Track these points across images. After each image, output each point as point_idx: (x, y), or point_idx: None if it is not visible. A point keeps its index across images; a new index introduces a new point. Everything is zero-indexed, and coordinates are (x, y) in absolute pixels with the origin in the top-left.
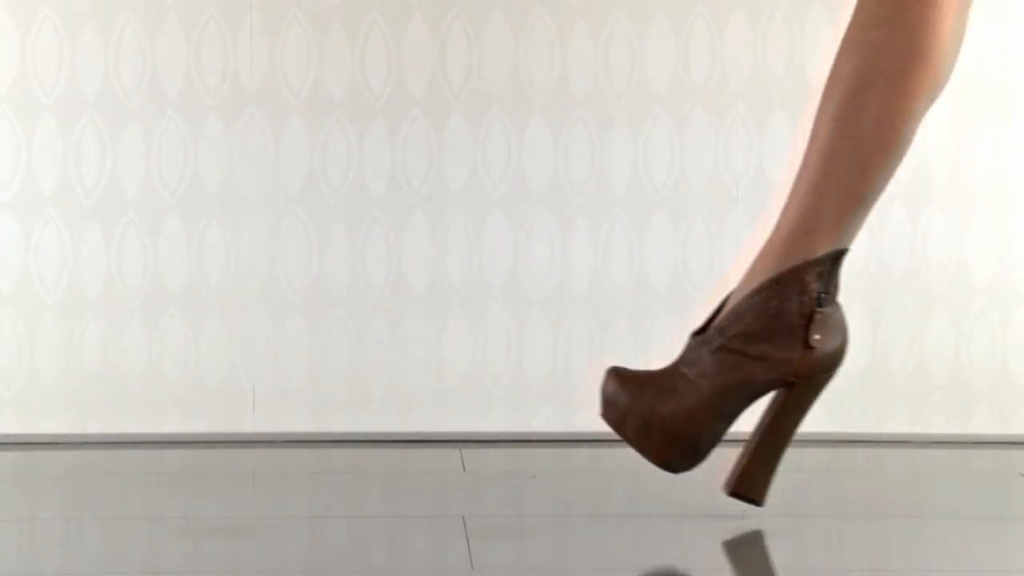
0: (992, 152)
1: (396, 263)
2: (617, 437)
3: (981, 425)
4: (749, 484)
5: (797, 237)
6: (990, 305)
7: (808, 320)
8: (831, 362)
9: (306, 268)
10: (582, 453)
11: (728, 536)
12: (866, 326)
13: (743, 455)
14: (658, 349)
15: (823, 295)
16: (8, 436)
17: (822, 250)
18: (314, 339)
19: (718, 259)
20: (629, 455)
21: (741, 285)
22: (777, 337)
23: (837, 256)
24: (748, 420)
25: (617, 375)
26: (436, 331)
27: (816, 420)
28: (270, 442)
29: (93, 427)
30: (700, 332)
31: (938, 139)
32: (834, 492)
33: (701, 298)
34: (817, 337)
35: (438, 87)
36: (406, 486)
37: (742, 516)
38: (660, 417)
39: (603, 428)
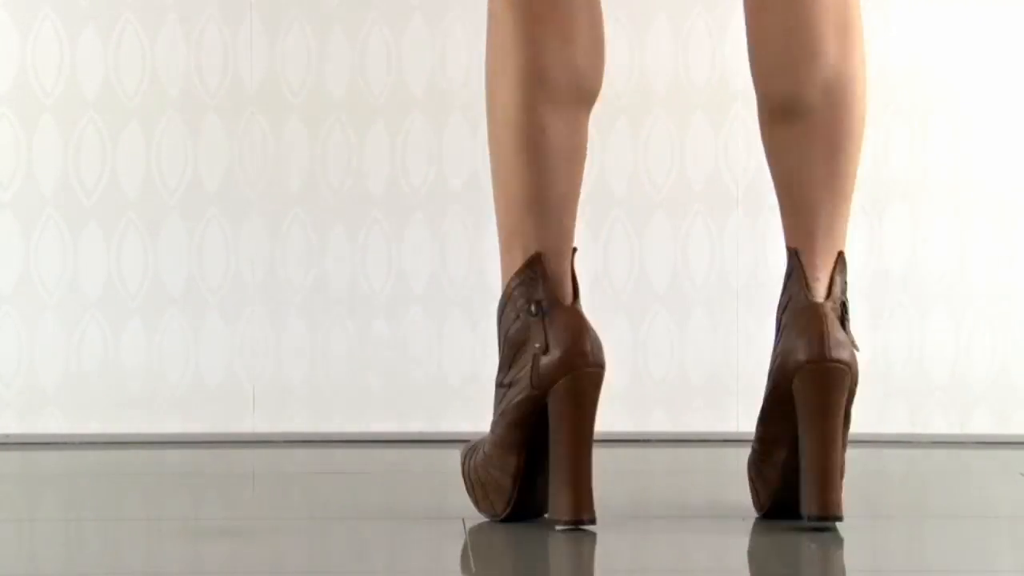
0: (992, 152)
1: (396, 263)
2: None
3: (981, 425)
4: (579, 509)
5: (503, 261)
6: (990, 305)
7: (526, 332)
8: (567, 364)
9: (306, 268)
10: None
11: (730, 536)
12: (866, 326)
13: (559, 485)
14: (658, 349)
15: (534, 304)
16: (8, 436)
17: (520, 262)
18: (314, 339)
19: (718, 259)
20: (633, 454)
21: None
22: (518, 358)
23: (531, 263)
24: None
25: (464, 445)
26: (436, 331)
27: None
28: (270, 442)
29: (93, 427)
30: None
31: (938, 140)
32: None
33: (701, 298)
34: (537, 346)
35: (438, 87)
36: (406, 486)
37: (743, 518)
38: (471, 469)
39: (603, 428)
